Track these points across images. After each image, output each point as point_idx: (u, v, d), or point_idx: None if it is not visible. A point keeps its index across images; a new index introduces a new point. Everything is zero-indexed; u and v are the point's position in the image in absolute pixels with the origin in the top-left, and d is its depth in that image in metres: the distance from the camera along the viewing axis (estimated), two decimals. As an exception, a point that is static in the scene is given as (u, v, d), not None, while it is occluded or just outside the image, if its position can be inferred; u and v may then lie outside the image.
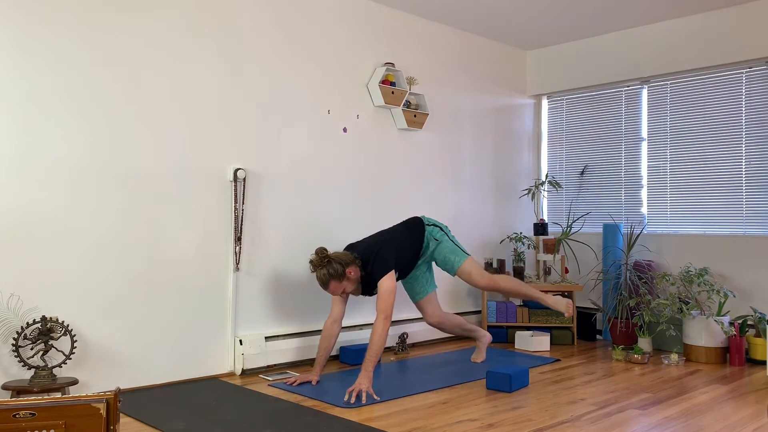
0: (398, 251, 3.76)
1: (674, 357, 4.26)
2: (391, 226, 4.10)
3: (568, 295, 5.01)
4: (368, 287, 3.75)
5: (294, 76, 4.18)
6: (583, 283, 5.50)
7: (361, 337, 4.40)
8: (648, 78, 5.16)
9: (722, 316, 4.33)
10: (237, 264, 3.85)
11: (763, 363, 4.25)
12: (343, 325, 4.33)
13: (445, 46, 5.16)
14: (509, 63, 5.72)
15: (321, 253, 3.56)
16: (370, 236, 3.89)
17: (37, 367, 3.02)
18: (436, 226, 4.00)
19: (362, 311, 4.53)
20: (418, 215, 4.06)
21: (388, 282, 3.55)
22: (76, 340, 3.17)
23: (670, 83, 5.08)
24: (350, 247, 3.79)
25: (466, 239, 5.26)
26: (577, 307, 5.25)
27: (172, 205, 3.62)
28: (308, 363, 4.11)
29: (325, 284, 3.57)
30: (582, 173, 5.61)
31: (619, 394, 3.45)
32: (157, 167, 3.56)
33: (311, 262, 3.57)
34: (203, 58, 3.75)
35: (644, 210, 5.21)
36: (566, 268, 5.23)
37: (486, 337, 4.27)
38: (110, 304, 3.38)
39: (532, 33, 5.37)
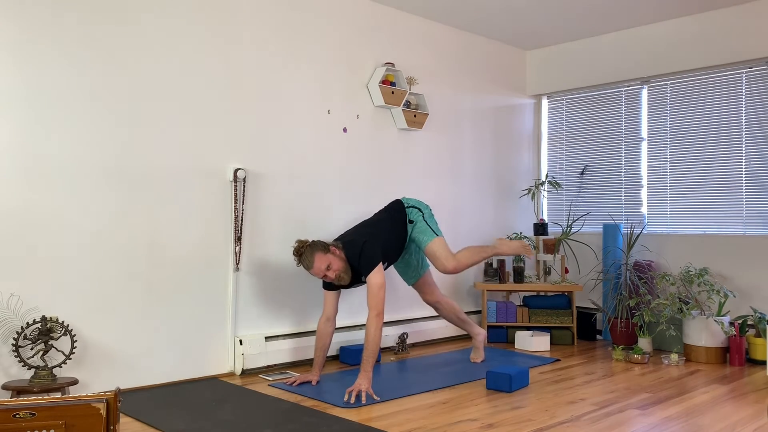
0: (384, 242, 3.73)
1: (674, 357, 4.26)
2: (373, 214, 4.07)
3: (568, 295, 5.01)
4: (356, 280, 3.72)
5: (294, 76, 4.18)
6: (583, 283, 5.50)
7: (361, 337, 4.40)
8: (648, 78, 5.16)
9: (722, 316, 4.33)
10: (237, 264, 3.85)
11: (763, 363, 4.25)
12: (343, 325, 4.34)
13: (445, 46, 5.16)
14: (509, 63, 5.72)
15: (300, 240, 3.58)
16: (352, 228, 3.83)
17: (37, 367, 3.02)
18: (415, 207, 3.97)
19: (362, 311, 4.52)
20: (399, 198, 4.04)
21: (376, 277, 3.52)
22: (76, 340, 3.17)
23: (670, 83, 5.08)
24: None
25: (466, 239, 5.26)
26: (577, 307, 5.25)
27: (172, 205, 3.62)
28: (308, 363, 4.11)
29: (310, 261, 3.50)
30: (582, 173, 5.61)
31: (619, 394, 3.45)
32: (157, 167, 3.56)
33: (294, 249, 3.56)
34: (204, 58, 3.75)
35: (644, 210, 5.21)
36: (566, 268, 5.23)
37: (481, 335, 4.25)
38: (110, 304, 3.38)
39: (532, 33, 5.37)
